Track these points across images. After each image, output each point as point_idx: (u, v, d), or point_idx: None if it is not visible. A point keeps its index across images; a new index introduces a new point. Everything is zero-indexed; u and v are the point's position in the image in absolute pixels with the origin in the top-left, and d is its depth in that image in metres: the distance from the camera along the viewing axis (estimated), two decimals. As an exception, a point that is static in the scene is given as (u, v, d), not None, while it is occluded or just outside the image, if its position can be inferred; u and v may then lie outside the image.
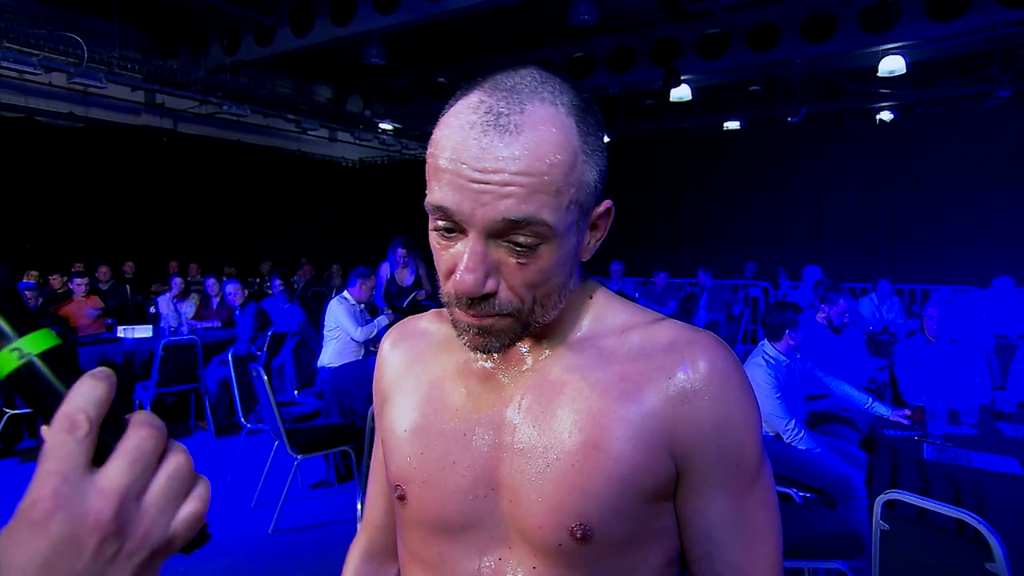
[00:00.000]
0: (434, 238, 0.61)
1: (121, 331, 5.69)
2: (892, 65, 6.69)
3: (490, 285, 0.58)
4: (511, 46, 9.38)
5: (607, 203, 0.64)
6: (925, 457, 2.47)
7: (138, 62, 7.95)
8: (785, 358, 3.19)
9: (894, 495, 1.79)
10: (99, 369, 0.38)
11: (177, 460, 0.39)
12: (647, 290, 7.81)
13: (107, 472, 0.36)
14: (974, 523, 1.56)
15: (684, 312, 8.00)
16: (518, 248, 0.57)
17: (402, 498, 0.70)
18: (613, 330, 0.68)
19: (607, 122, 10.76)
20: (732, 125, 10.13)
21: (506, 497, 0.65)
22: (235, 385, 4.11)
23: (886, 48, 6.80)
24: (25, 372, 0.38)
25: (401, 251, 5.21)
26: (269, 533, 3.41)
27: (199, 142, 10.58)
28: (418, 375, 0.74)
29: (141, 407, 4.96)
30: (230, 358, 4.14)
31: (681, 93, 7.88)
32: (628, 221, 11.09)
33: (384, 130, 11.81)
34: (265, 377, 3.48)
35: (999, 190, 7.82)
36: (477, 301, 0.59)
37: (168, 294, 6.51)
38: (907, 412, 3.00)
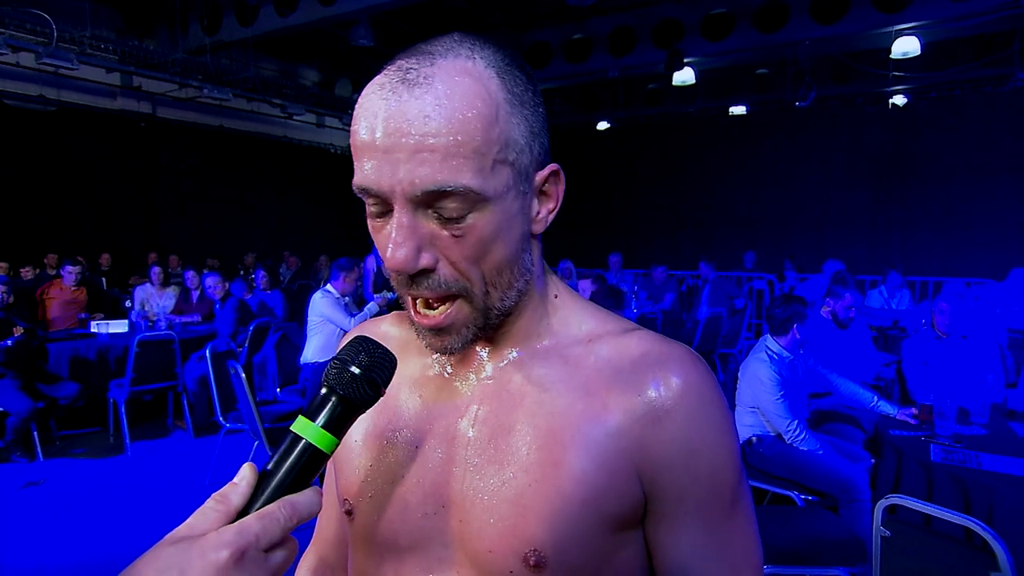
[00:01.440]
0: (370, 225, 0.57)
1: (95, 326, 5.49)
2: (906, 46, 6.46)
3: (425, 259, 0.54)
4: (507, 27, 9.08)
5: (552, 166, 0.59)
6: (932, 459, 2.41)
7: (112, 42, 7.59)
8: (789, 354, 3.11)
9: (895, 500, 1.75)
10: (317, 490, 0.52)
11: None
12: (646, 283, 7.56)
13: (273, 556, 0.49)
14: (978, 529, 1.52)
15: (685, 306, 7.77)
16: (447, 219, 0.53)
17: (349, 513, 0.66)
18: (579, 338, 0.64)
19: (607, 107, 10.62)
20: (738, 110, 9.82)
21: (456, 516, 0.61)
22: (213, 383, 4.00)
23: (900, 28, 6.57)
24: (315, 452, 0.51)
25: None
26: (249, 539, 3.25)
27: (179, 127, 10.24)
28: None
29: (115, 406, 4.78)
30: (208, 354, 4.02)
31: (684, 76, 7.61)
32: (628, 210, 10.83)
33: (374, 116, 11.50)
34: (243, 375, 3.40)
35: (1016, 177, 7.58)
36: (418, 280, 0.55)
37: (146, 286, 6.25)
38: (914, 411, 2.94)
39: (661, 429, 0.58)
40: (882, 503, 1.75)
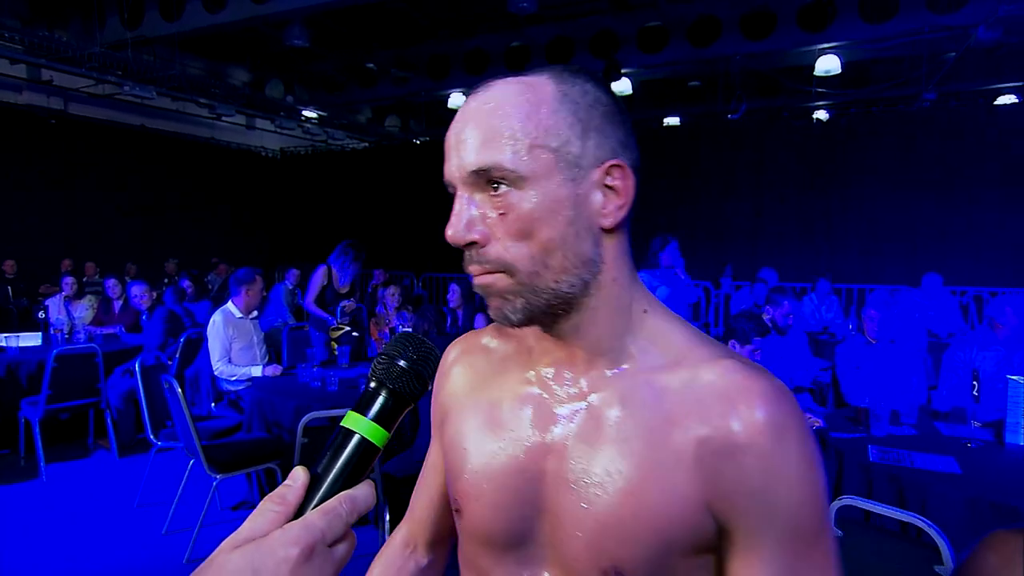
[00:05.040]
0: None
1: (2, 339, 5.00)
2: (828, 64, 6.88)
3: (474, 234, 0.61)
4: (445, 32, 9.03)
5: (611, 160, 0.62)
6: (870, 459, 2.49)
7: (17, 31, 7.00)
8: None
9: (847, 501, 1.80)
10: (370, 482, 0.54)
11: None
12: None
13: (337, 549, 0.50)
14: (926, 528, 1.61)
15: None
16: (493, 196, 0.60)
17: (458, 511, 0.74)
18: (666, 362, 0.65)
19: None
20: (672, 121, 10.14)
21: (548, 522, 0.67)
22: (143, 398, 3.72)
23: (822, 47, 6.99)
24: (368, 446, 0.52)
25: (364, 256, 4.87)
26: (184, 562, 3.14)
27: (95, 126, 9.59)
28: (479, 395, 0.76)
29: (28, 426, 4.40)
30: (137, 368, 3.74)
31: (621, 87, 7.80)
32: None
33: (308, 118, 11.19)
34: (179, 389, 3.21)
35: (926, 191, 8.14)
36: (470, 255, 0.62)
37: (59, 296, 5.78)
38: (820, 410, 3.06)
39: (735, 463, 0.58)
40: (835, 504, 1.80)
